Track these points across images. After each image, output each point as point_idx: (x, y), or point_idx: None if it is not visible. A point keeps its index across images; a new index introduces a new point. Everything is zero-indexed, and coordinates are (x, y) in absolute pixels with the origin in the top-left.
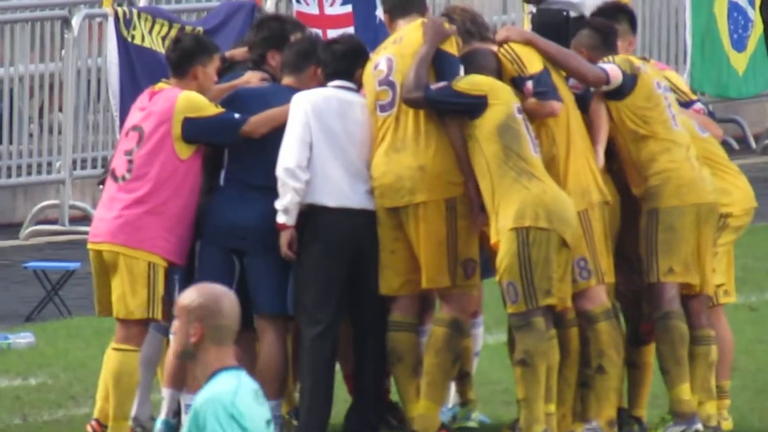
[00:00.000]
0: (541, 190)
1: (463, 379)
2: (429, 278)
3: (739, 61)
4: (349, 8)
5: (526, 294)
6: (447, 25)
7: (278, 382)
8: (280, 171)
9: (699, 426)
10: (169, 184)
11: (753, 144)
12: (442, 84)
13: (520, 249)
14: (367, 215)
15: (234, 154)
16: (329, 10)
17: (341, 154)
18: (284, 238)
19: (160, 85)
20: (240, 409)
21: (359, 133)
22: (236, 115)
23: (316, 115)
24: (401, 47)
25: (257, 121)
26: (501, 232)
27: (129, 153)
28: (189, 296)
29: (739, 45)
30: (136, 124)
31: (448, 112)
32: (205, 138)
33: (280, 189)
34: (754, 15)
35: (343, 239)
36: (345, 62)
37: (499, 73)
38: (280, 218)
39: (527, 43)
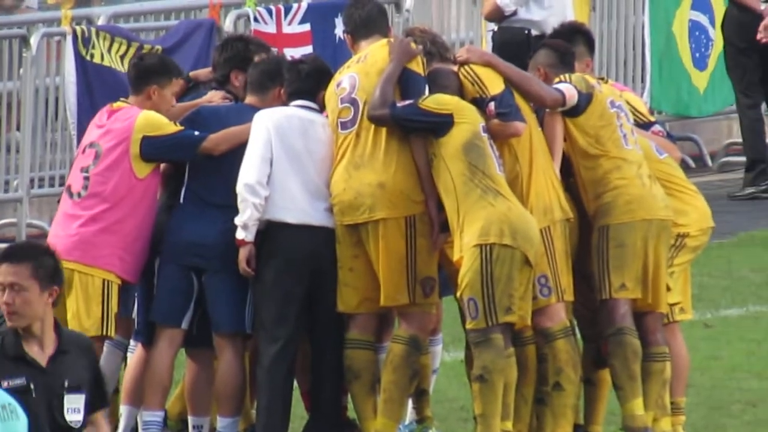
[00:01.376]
0: (507, 208)
1: (421, 396)
2: (387, 296)
3: (701, 80)
4: (307, 27)
5: (486, 310)
6: (413, 45)
7: (236, 399)
8: (240, 187)
9: None
10: (125, 203)
11: (709, 162)
12: (407, 102)
13: (483, 265)
14: (326, 232)
15: (194, 172)
16: (287, 29)
17: (301, 172)
18: (243, 254)
19: (119, 103)
20: None
21: (320, 151)
22: (195, 133)
23: (277, 132)
24: (365, 65)
25: (217, 139)
26: (465, 248)
27: (85, 170)
28: None
29: (701, 64)
30: (93, 141)
31: (414, 129)
32: (163, 156)
33: (240, 205)
34: (715, 34)
35: (302, 256)
36: (309, 82)
37: (460, 93)
38: (240, 234)
39: (487, 64)
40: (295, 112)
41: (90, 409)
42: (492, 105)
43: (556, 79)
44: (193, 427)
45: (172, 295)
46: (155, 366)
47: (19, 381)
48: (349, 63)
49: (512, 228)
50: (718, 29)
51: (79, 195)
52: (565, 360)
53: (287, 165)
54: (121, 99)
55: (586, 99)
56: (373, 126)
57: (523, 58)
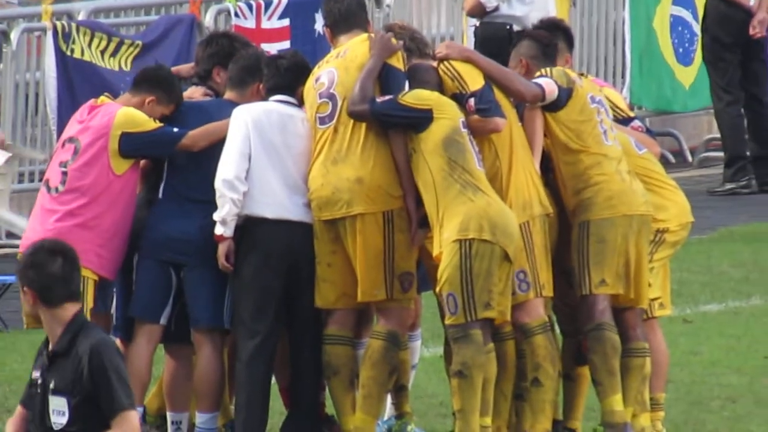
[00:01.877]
0: (486, 203)
1: (400, 391)
2: (365, 291)
3: (686, 75)
4: (286, 22)
5: (465, 306)
6: (394, 41)
7: (215, 395)
8: (218, 182)
9: None
10: (103, 199)
11: (689, 157)
12: (387, 97)
13: (462, 261)
14: (304, 227)
15: (173, 168)
16: (266, 24)
17: (280, 167)
18: (222, 249)
19: (102, 98)
20: None
21: (299, 146)
22: (175, 129)
23: (256, 127)
24: (345, 60)
25: (196, 135)
26: (444, 243)
27: (64, 165)
28: None
29: (686, 59)
30: (72, 136)
31: (393, 125)
32: (142, 152)
33: (219, 200)
34: (699, 29)
35: (280, 251)
36: (288, 77)
37: (440, 89)
38: (218, 229)
39: (467, 60)
40: (274, 107)
41: (103, 414)
42: (472, 101)
43: (537, 74)
44: (172, 422)
45: (151, 291)
46: (134, 362)
47: (37, 374)
48: (328, 58)
49: (492, 223)
50: (701, 22)
51: (56, 190)
52: (543, 355)
53: (266, 160)
54: (105, 94)
55: (566, 93)
56: (351, 121)
57: (505, 54)
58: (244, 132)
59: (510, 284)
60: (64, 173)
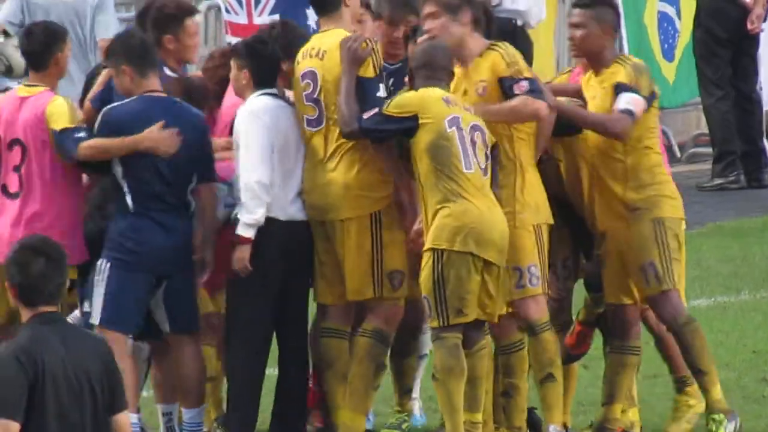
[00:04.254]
0: (462, 211)
1: (404, 394)
2: (352, 290)
3: (670, 71)
4: (277, 18)
5: (438, 311)
6: (364, 45)
7: (200, 391)
8: (254, 184)
9: None
10: (60, 194)
11: (678, 153)
12: (372, 111)
13: (435, 268)
14: (303, 225)
15: (133, 178)
16: (258, 20)
17: (284, 162)
18: (244, 252)
19: (23, 89)
20: None
21: (297, 140)
22: (78, 135)
23: (274, 126)
24: (324, 65)
25: (90, 151)
26: (424, 248)
27: (17, 168)
28: None
29: (669, 55)
30: (16, 137)
31: (385, 139)
32: (57, 150)
33: (251, 202)
34: (681, 25)
35: (280, 251)
36: (267, 72)
37: (451, 75)
38: (247, 232)
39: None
40: (275, 102)
41: None
42: (525, 83)
43: (631, 80)
44: (163, 414)
45: (135, 305)
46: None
47: None
48: (309, 49)
49: (465, 233)
50: (684, 20)
51: (17, 195)
52: (554, 351)
53: (276, 159)
54: (24, 83)
55: (651, 97)
56: (337, 127)
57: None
58: (267, 133)
59: (502, 286)
60: (20, 176)
